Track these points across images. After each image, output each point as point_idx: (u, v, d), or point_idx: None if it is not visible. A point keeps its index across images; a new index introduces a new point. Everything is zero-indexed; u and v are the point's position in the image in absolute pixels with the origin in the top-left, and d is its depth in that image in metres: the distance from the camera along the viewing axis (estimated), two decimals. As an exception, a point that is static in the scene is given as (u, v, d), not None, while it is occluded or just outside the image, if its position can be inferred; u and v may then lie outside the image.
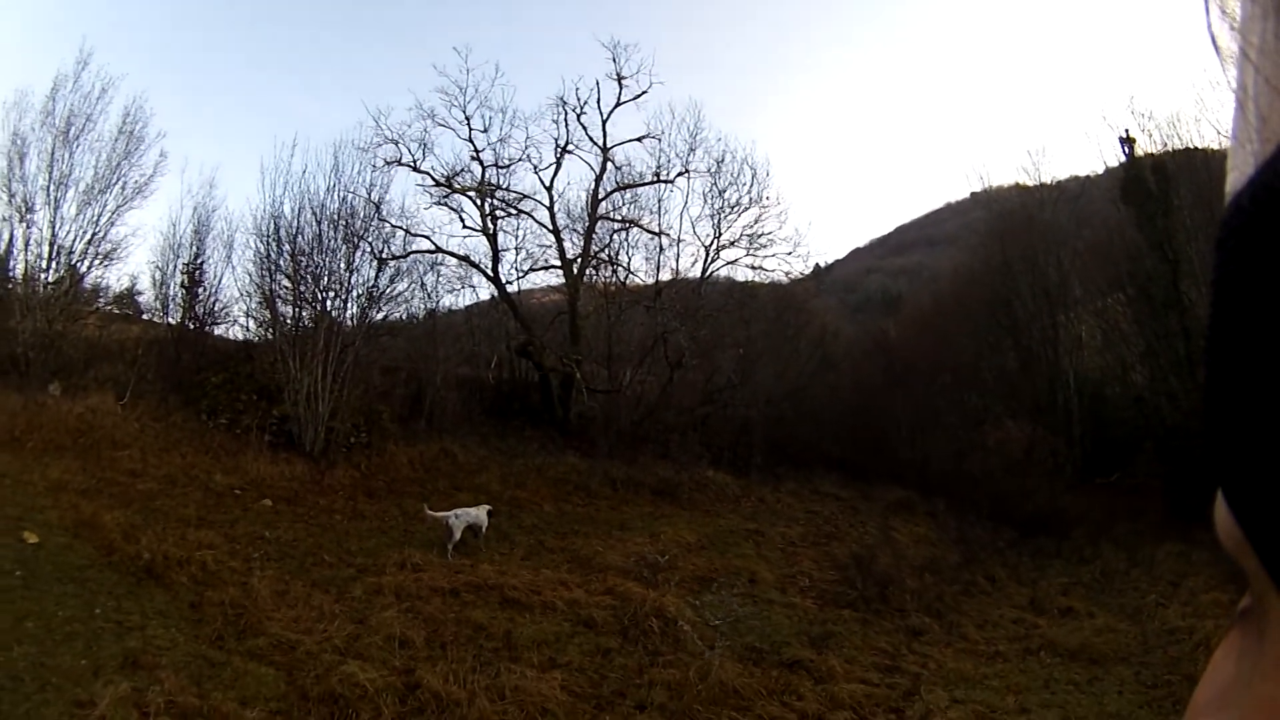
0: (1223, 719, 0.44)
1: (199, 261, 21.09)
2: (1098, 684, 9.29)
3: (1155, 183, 22.28)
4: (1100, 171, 27.67)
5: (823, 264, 59.87)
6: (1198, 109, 36.09)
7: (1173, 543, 15.66)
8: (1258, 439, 0.36)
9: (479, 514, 13.29)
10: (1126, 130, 24.09)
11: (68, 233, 18.66)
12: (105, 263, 19.85)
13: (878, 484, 21.81)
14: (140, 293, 23.51)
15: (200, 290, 21.00)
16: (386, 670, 7.91)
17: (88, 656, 7.28)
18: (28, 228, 18.21)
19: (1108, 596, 13.26)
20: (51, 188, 18.41)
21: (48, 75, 23.52)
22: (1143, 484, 20.75)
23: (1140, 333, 22.78)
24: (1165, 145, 22.94)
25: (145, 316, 22.82)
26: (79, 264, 19.01)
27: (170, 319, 20.96)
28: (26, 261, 18.27)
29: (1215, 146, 20.52)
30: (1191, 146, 21.77)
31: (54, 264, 18.47)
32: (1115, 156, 25.00)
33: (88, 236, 18.91)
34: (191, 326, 20.79)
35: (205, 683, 7.22)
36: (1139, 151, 23.83)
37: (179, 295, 20.85)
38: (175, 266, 20.88)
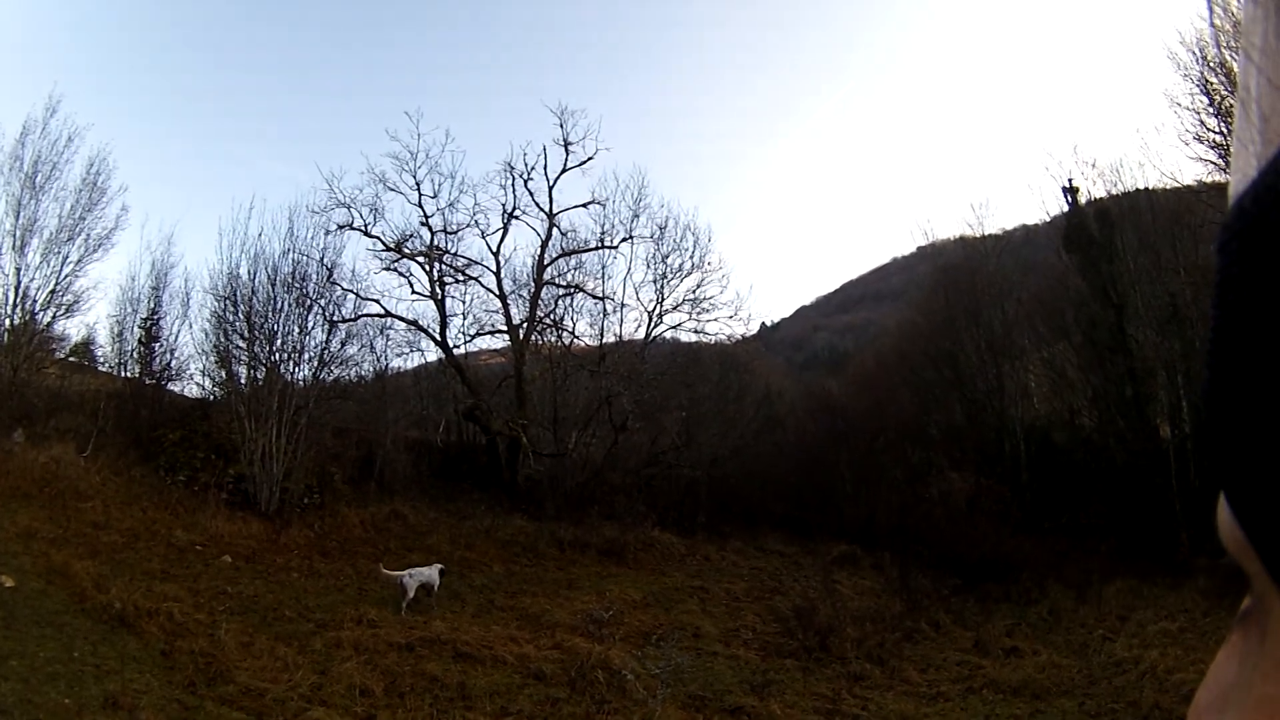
0: None
1: (156, 317, 21.36)
2: (1039, 716, 9.93)
3: (1099, 228, 23.39)
4: (1044, 221, 29.03)
5: (769, 323, 60.84)
6: (1142, 153, 37.48)
7: (1122, 579, 16.38)
8: (1261, 441, 0.36)
9: (431, 573, 13.69)
10: (1070, 178, 25.34)
11: (31, 280, 18.87)
12: (67, 313, 20.04)
13: (822, 539, 22.40)
14: (98, 345, 23.65)
15: (157, 346, 21.23)
16: (350, 716, 8.41)
17: (71, 695, 7.67)
18: (-8, 271, 18.34)
19: (1055, 635, 13.88)
20: (17, 233, 18.66)
21: (16, 119, 23.69)
22: (1092, 524, 21.37)
23: (1087, 378, 23.78)
24: (1109, 191, 24.10)
25: (104, 369, 22.92)
26: (41, 312, 19.19)
27: (128, 373, 21.13)
28: (-9, 305, 18.36)
29: (1161, 187, 21.52)
30: (1136, 189, 22.76)
31: (18, 310, 18.62)
32: (1058, 205, 26.35)
33: (51, 286, 19.13)
34: (148, 382, 20.97)
35: (182, 724, 7.69)
36: (1082, 199, 25.02)
37: (136, 350, 21.06)
38: (133, 321, 21.14)
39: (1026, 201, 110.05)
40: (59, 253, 19.36)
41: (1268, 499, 0.37)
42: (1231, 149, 0.46)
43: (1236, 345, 0.37)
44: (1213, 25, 17.41)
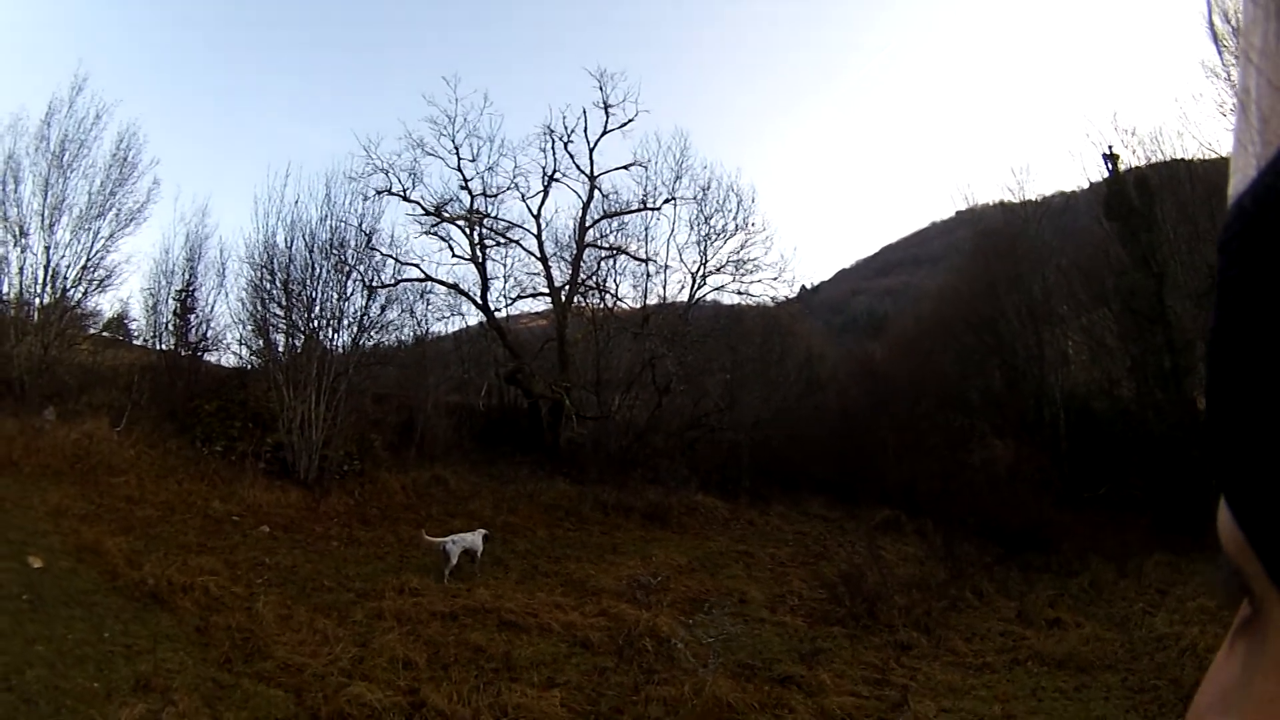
0: None
1: (191, 288, 21.28)
2: (1084, 691, 9.49)
3: (1139, 197, 22.61)
4: (1084, 188, 28.02)
5: (809, 286, 60.04)
6: (1181, 123, 36.96)
7: (1161, 553, 15.92)
8: (1261, 443, 0.36)
9: (475, 539, 13.35)
10: (1110, 146, 24.46)
11: (61, 258, 18.82)
12: (99, 289, 19.98)
13: (865, 504, 21.89)
14: (132, 319, 23.63)
15: (193, 317, 21.15)
16: (392, 691, 8.05)
17: (100, 679, 7.40)
18: (22, 252, 18.38)
19: (1096, 607, 13.43)
20: (46, 212, 18.59)
21: (43, 99, 23.63)
22: (1131, 496, 20.82)
23: (1126, 347, 23.10)
24: (1148, 159, 23.36)
25: (138, 342, 22.93)
26: (73, 289, 19.12)
27: (163, 345, 21.09)
28: (21, 285, 18.38)
29: (1199, 158, 20.86)
30: (1175, 159, 22.11)
31: (48, 288, 18.58)
32: (1099, 172, 25.38)
33: (81, 262, 19.07)
34: (184, 353, 20.89)
35: (217, 704, 7.35)
36: (1122, 167, 24.19)
37: (171, 322, 21.01)
38: (168, 293, 21.09)
39: (1066, 168, 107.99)
40: (89, 229, 19.29)
41: (1268, 501, 0.37)
42: (1231, 150, 0.46)
43: (1236, 346, 0.38)
44: (1212, 26, 17.00)
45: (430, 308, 25.99)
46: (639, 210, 27.30)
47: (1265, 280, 0.35)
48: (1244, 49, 0.43)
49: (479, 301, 25.62)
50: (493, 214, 26.28)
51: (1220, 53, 17.09)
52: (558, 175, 26.65)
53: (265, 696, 7.72)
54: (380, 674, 8.53)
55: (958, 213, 43.65)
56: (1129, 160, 24.11)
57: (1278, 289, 0.35)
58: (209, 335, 21.57)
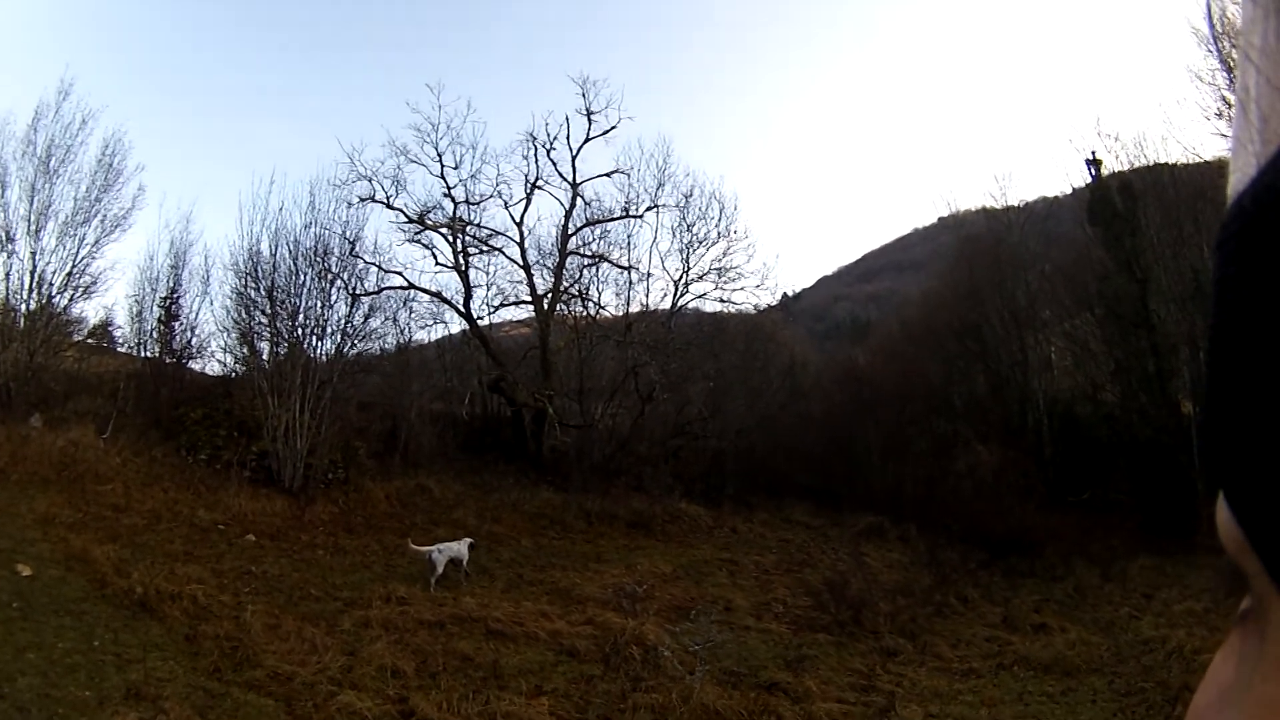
0: None
1: (176, 296, 21.09)
2: (1071, 695, 9.65)
3: (1122, 202, 22.89)
4: (1067, 193, 28.40)
5: (791, 293, 60.14)
6: (1165, 127, 37.41)
7: (1146, 556, 16.22)
8: (1260, 441, 0.36)
9: (461, 548, 13.45)
10: (1093, 152, 24.83)
11: (47, 264, 18.67)
12: (84, 295, 19.82)
13: (849, 511, 21.97)
14: (117, 326, 23.49)
15: (177, 324, 20.99)
16: (381, 699, 8.12)
17: (91, 688, 7.44)
18: (8, 258, 18.23)
19: (1081, 611, 13.63)
20: (32, 218, 18.43)
21: (29, 104, 23.40)
22: (1115, 501, 21.21)
23: (1110, 352, 23.39)
24: (1132, 164, 23.60)
25: (123, 349, 22.73)
26: (58, 296, 18.98)
27: (147, 353, 20.95)
28: (7, 291, 18.25)
29: (1183, 163, 21.14)
30: (1159, 164, 22.39)
31: (34, 295, 18.43)
32: (1082, 178, 25.84)
33: (67, 269, 18.91)
34: (168, 361, 20.76)
35: (208, 713, 7.41)
36: (1105, 172, 24.49)
37: (156, 329, 20.84)
38: (152, 300, 20.89)
39: (1049, 173, 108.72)
40: (75, 235, 19.12)
41: (1267, 499, 0.37)
42: (1230, 149, 0.45)
43: (1235, 345, 0.38)
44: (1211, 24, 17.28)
45: (413, 316, 25.82)
46: (621, 218, 27.27)
47: (1264, 279, 0.36)
48: (1243, 48, 0.43)
49: (462, 309, 25.57)
50: (475, 221, 26.30)
51: (1219, 51, 17.40)
52: (540, 183, 26.69)
53: (255, 705, 7.78)
54: (369, 683, 8.60)
55: (940, 218, 43.98)
56: (1112, 165, 24.50)
57: (1276, 288, 0.35)
58: (193, 343, 21.45)
